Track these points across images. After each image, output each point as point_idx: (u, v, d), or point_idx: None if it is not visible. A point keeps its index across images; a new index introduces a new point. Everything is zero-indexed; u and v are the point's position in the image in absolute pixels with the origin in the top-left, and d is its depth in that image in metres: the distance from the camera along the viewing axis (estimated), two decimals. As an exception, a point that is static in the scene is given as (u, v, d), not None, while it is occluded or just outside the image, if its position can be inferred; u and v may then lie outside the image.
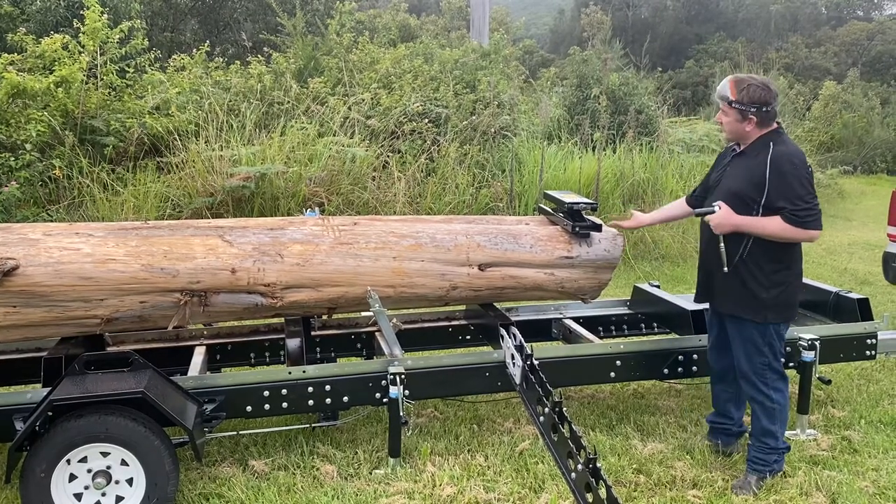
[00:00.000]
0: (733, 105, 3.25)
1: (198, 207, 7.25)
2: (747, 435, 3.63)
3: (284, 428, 3.84)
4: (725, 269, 3.29)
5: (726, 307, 3.43)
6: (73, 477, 2.94)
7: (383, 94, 9.34)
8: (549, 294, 4.10)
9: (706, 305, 4.19)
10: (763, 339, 3.35)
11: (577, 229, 3.96)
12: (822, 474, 3.48)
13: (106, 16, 8.15)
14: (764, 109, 3.23)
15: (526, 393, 3.29)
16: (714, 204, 3.30)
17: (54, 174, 7.11)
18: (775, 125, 3.32)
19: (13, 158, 6.84)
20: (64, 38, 7.89)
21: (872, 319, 4.25)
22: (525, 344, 3.49)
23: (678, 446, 3.78)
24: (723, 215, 3.24)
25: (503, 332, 3.70)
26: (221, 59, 10.60)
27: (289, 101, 8.88)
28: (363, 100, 9.13)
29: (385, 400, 3.48)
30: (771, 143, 3.24)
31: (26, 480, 2.88)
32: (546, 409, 2.97)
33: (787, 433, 3.71)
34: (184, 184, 7.50)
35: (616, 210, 8.87)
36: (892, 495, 3.33)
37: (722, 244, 3.28)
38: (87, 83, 7.65)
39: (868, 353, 4.22)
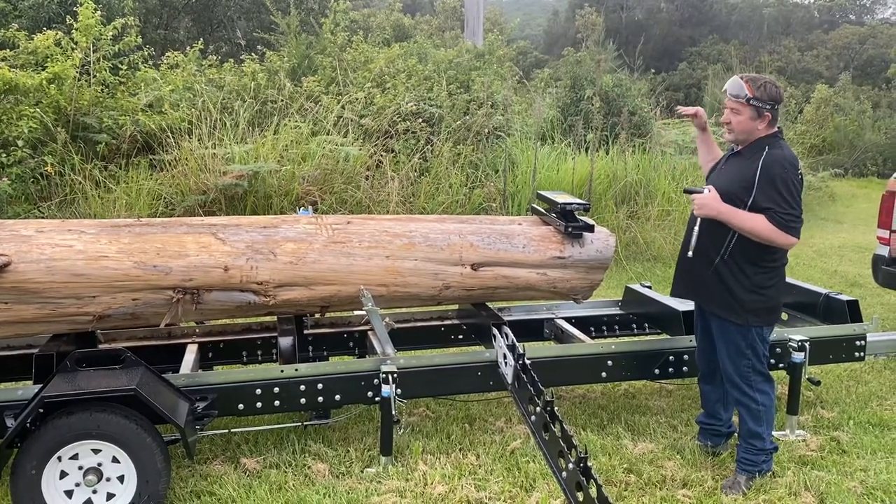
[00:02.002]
0: (751, 102, 3.22)
1: (190, 205, 7.24)
2: (736, 435, 3.65)
3: (276, 426, 3.84)
4: (690, 253, 3.32)
5: (708, 305, 3.45)
6: (63, 474, 2.94)
7: (377, 94, 9.34)
8: (542, 294, 4.12)
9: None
10: (745, 342, 3.35)
11: (570, 230, 3.97)
12: (810, 474, 3.50)
13: (99, 13, 8.13)
14: (776, 107, 3.25)
15: (518, 392, 3.30)
16: (705, 187, 3.32)
17: (46, 171, 7.09)
18: (776, 129, 3.32)
19: (5, 155, 6.82)
20: (56, 34, 7.87)
21: (862, 321, 4.28)
22: (517, 343, 3.50)
23: (668, 446, 3.80)
24: (709, 198, 3.25)
25: (495, 331, 3.71)
26: (215, 57, 10.57)
27: (282, 100, 8.88)
28: (357, 99, 9.14)
29: (377, 399, 3.48)
30: (766, 147, 3.25)
31: (17, 477, 2.87)
32: (537, 409, 2.98)
33: (776, 434, 3.74)
34: (176, 181, 7.49)
35: (609, 211, 8.90)
36: (879, 496, 3.36)
37: (697, 227, 3.30)
38: (79, 80, 7.63)
39: (857, 354, 4.25)
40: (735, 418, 3.79)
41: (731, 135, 3.36)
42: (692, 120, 3.83)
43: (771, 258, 3.29)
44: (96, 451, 2.96)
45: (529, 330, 4.53)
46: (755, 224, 3.18)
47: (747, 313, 3.31)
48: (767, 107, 3.23)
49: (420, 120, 9.01)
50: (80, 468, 2.95)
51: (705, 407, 3.77)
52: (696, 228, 3.31)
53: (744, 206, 3.23)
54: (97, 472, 2.95)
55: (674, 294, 3.68)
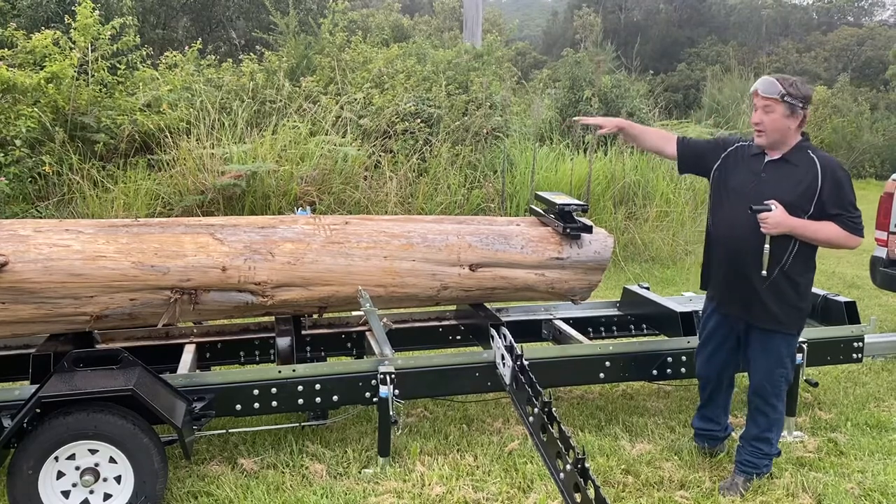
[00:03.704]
0: (784, 99, 3.12)
1: (188, 205, 7.23)
2: (736, 437, 3.65)
3: (274, 427, 3.83)
4: (764, 272, 3.18)
5: (761, 320, 3.30)
6: (60, 474, 2.93)
7: (375, 94, 9.34)
8: (540, 295, 4.12)
9: (696, 307, 4.21)
10: (788, 350, 3.32)
11: (568, 230, 3.97)
12: (808, 476, 3.50)
13: (97, 12, 8.12)
14: (807, 107, 3.19)
15: (515, 393, 3.30)
16: (768, 202, 3.14)
17: (44, 170, 7.07)
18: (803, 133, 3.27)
19: (2, 154, 6.81)
20: (55, 33, 7.85)
21: (859, 323, 4.28)
22: (515, 344, 3.49)
23: (666, 447, 3.80)
24: (779, 215, 3.11)
25: (493, 332, 3.71)
26: (213, 57, 10.56)
27: (281, 100, 8.87)
28: (355, 99, 9.13)
29: (375, 399, 3.48)
30: (810, 151, 3.19)
31: (14, 478, 2.87)
32: (535, 410, 2.98)
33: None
34: (174, 181, 7.48)
35: (607, 212, 8.90)
36: (877, 497, 3.36)
37: (767, 245, 3.15)
38: (77, 79, 7.62)
39: (855, 356, 4.25)
40: (732, 419, 3.80)
41: (762, 137, 3.22)
42: (613, 131, 3.73)
43: (814, 263, 3.28)
44: (93, 452, 2.96)
45: (527, 331, 4.53)
46: (829, 233, 3.14)
47: (800, 319, 3.29)
48: (800, 104, 3.14)
49: (418, 120, 9.00)
50: (77, 468, 2.95)
51: (705, 413, 3.73)
52: (768, 246, 3.15)
53: (805, 214, 3.15)
54: (94, 472, 2.95)
55: (719, 310, 3.52)
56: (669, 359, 3.96)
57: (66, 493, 2.94)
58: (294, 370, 3.45)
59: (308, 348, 4.18)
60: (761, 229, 3.14)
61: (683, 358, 3.96)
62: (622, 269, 8.09)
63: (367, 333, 4.03)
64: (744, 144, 3.42)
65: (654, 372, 3.97)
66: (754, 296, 3.27)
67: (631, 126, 3.79)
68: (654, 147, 3.76)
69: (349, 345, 4.29)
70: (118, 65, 8.52)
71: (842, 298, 4.36)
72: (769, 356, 3.33)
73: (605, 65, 12.08)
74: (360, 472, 3.46)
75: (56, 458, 2.92)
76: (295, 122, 8.44)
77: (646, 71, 21.28)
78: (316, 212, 7.29)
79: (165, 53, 9.88)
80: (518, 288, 4.00)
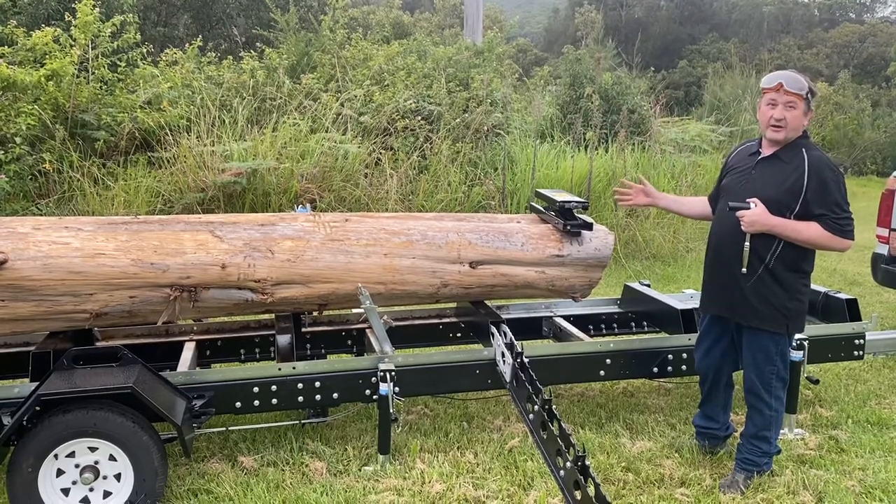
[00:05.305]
0: (807, 96, 3.13)
1: (188, 203, 7.23)
2: (736, 435, 3.64)
3: (274, 424, 3.83)
4: (744, 269, 3.18)
5: (746, 318, 3.30)
6: (60, 472, 2.93)
7: (376, 91, 9.33)
8: (540, 292, 4.11)
9: (696, 304, 4.20)
10: (776, 349, 3.29)
11: (569, 228, 3.96)
12: (809, 473, 3.50)
13: (98, 9, 8.11)
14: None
15: (516, 390, 3.30)
16: (748, 200, 3.16)
17: (44, 168, 7.08)
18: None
19: (3, 152, 6.80)
20: (55, 31, 7.85)
21: (861, 320, 4.27)
22: (515, 342, 3.49)
23: (667, 445, 3.79)
24: (758, 213, 3.11)
25: (494, 329, 3.71)
26: (214, 55, 10.56)
27: (281, 97, 8.86)
28: (356, 96, 9.12)
29: (375, 397, 3.48)
30: (804, 149, 3.17)
31: (13, 476, 2.87)
32: (535, 407, 2.98)
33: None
34: (175, 179, 7.48)
35: (608, 209, 8.89)
36: (878, 494, 3.36)
37: (747, 244, 3.16)
38: (78, 77, 7.61)
39: (856, 353, 4.24)
40: (734, 416, 3.79)
41: (781, 133, 3.17)
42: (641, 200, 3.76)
43: (809, 263, 3.26)
44: (93, 449, 2.96)
45: (528, 328, 4.52)
46: (811, 233, 3.10)
47: (789, 320, 3.25)
48: (813, 104, 3.19)
49: (419, 118, 8.99)
50: (77, 466, 2.95)
51: (705, 411, 3.72)
52: (748, 244, 3.16)
53: (790, 212, 3.13)
54: (94, 470, 2.95)
55: (704, 310, 3.55)
56: (670, 356, 3.95)
57: (65, 491, 2.94)
58: (294, 368, 3.45)
59: (308, 346, 4.18)
60: (741, 227, 3.16)
61: (684, 355, 3.95)
62: (623, 267, 8.08)
63: (368, 331, 4.03)
64: (743, 146, 3.44)
65: (655, 369, 3.97)
66: (738, 294, 3.28)
67: (662, 198, 3.82)
68: (696, 216, 3.81)
69: (349, 342, 4.29)
70: (119, 62, 8.51)
71: (843, 296, 4.35)
72: (756, 354, 3.33)
73: (606, 62, 12.06)
74: (360, 470, 3.46)
75: (56, 456, 2.91)
76: (295, 119, 8.43)
77: (647, 68, 21.26)
78: (316, 209, 7.29)
79: (166, 51, 9.88)
80: (518, 285, 3.99)
